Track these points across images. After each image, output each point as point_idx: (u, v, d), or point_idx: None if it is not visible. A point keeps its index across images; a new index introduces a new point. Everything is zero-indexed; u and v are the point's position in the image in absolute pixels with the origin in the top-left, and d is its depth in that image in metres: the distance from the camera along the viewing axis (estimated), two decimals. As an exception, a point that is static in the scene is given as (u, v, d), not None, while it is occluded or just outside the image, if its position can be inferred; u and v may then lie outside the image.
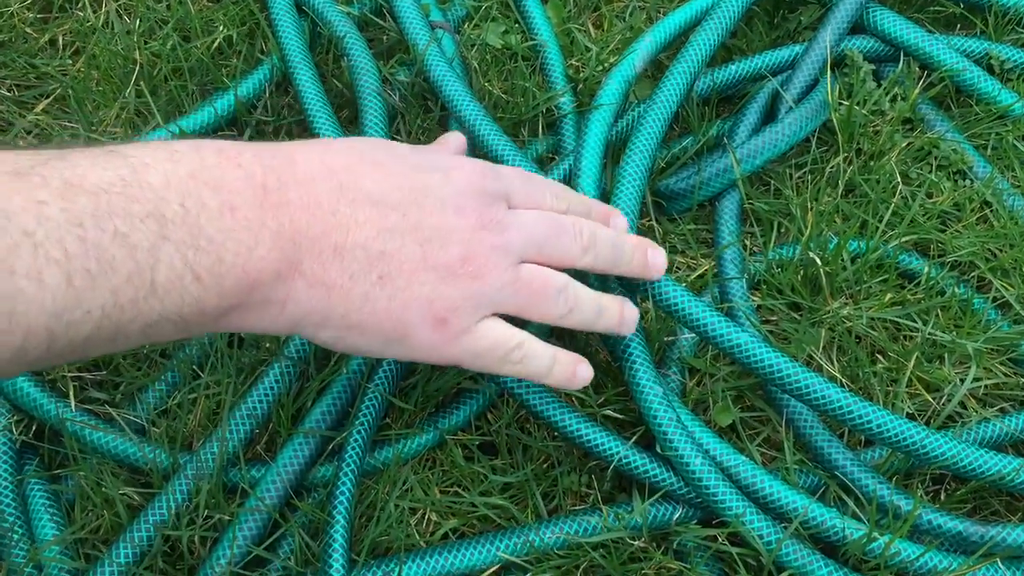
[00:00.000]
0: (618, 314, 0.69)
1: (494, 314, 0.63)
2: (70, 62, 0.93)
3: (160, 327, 0.51)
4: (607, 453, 0.72)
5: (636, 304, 0.73)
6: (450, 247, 0.61)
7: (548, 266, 0.65)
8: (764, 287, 0.83)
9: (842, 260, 0.82)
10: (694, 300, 0.73)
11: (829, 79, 0.88)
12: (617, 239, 0.69)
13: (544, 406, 0.74)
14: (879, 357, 0.82)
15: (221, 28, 0.91)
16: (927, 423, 0.78)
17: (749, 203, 0.87)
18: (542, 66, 0.93)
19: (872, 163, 0.89)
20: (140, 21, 0.92)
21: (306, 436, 0.72)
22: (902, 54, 0.92)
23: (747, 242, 0.87)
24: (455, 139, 0.74)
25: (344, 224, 0.58)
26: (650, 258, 0.71)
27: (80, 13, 0.94)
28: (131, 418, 0.75)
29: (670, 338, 0.82)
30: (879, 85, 0.92)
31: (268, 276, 0.55)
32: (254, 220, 0.53)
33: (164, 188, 0.50)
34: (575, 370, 0.68)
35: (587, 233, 0.67)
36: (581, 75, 0.92)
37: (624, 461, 0.72)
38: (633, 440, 0.73)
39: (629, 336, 0.74)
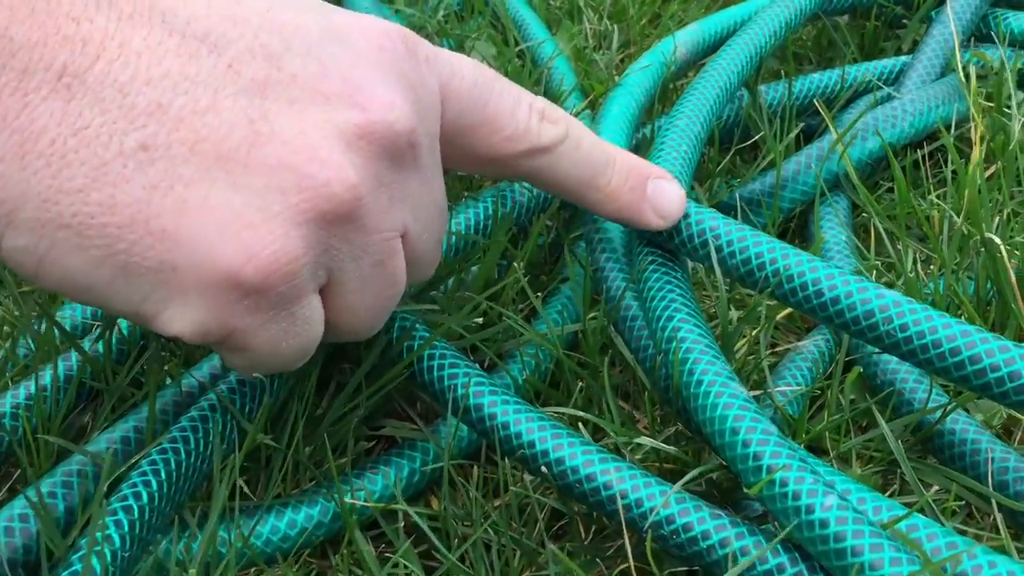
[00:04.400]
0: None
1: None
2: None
3: None
4: (638, 510, 0.38)
5: None
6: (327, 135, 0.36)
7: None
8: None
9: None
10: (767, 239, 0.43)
11: (959, 55, 0.64)
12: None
13: (525, 426, 0.41)
14: None
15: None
16: None
17: (865, 216, 0.59)
18: (546, 86, 0.71)
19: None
20: None
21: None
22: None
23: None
24: None
25: (93, 41, 0.33)
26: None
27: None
28: None
29: (756, 391, 0.50)
30: (1030, 97, 0.68)
31: None
32: None
33: None
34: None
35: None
36: (596, 85, 0.69)
37: (671, 529, 0.38)
38: (684, 483, 0.39)
39: (675, 305, 0.43)
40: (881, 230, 0.56)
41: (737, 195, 0.60)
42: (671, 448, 0.41)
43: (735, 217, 0.60)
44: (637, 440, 0.41)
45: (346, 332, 0.40)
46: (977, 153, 0.55)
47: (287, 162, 0.34)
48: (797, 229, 0.63)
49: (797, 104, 0.68)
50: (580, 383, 0.46)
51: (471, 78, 0.42)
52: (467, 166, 0.44)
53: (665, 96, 0.69)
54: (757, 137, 0.64)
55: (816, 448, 0.49)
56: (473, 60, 0.43)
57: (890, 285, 0.56)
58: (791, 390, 0.51)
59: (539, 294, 0.55)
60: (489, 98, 0.42)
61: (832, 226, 0.57)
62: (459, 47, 0.75)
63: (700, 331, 0.43)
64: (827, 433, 0.48)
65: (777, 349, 0.55)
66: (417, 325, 0.45)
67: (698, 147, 0.56)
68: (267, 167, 0.34)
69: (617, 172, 0.46)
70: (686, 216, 0.46)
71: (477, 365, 0.44)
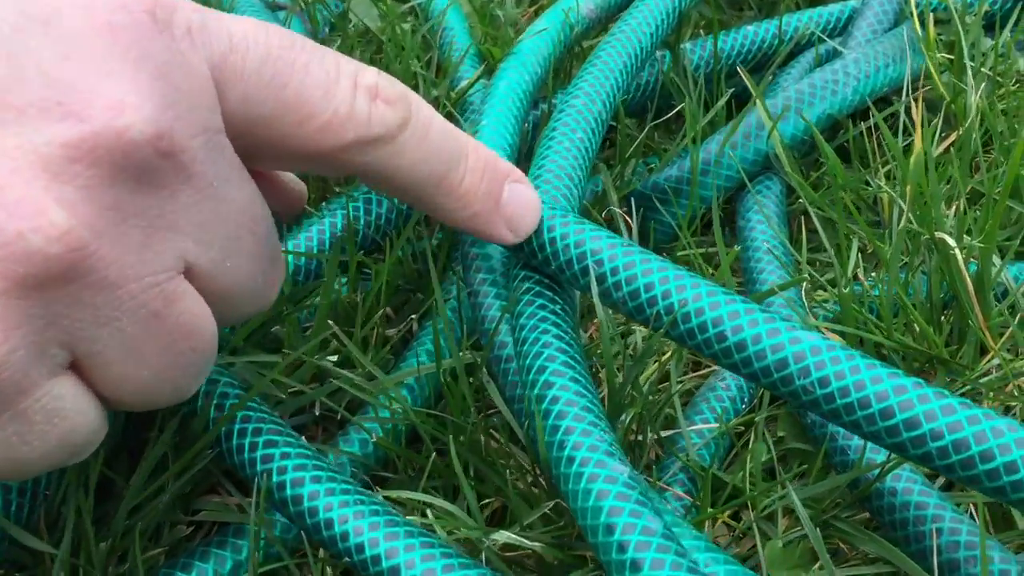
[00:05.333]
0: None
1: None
2: None
3: None
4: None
5: None
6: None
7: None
8: (845, 339, 0.45)
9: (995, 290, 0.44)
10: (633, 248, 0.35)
11: (914, 5, 0.55)
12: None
13: (353, 523, 0.33)
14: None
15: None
16: None
17: (798, 202, 0.51)
18: (440, 51, 0.62)
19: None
20: None
21: None
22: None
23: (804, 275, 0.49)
24: None
25: None
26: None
27: None
28: None
29: (666, 432, 0.42)
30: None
31: None
32: None
33: None
34: None
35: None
36: (494, 49, 0.60)
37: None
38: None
39: (548, 351, 0.35)
40: (817, 224, 0.48)
41: (651, 182, 0.51)
42: (536, 545, 0.33)
43: (651, 209, 0.52)
44: (494, 536, 0.33)
45: (141, 404, 0.31)
46: (920, 140, 0.46)
47: None
48: (728, 216, 0.54)
49: (728, 63, 0.59)
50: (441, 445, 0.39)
51: (260, 51, 0.31)
52: (278, 164, 0.35)
53: (574, 59, 0.61)
54: (681, 107, 0.55)
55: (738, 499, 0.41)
56: (268, 25, 0.33)
57: (825, 288, 0.48)
58: (708, 428, 0.43)
59: (413, 316, 0.47)
60: (291, 75, 0.32)
61: (759, 220, 0.48)
62: (339, 8, 0.65)
63: (578, 386, 0.35)
64: (747, 484, 0.40)
65: (700, 371, 0.47)
66: (228, 388, 0.37)
67: (598, 131, 0.47)
68: None
69: (471, 170, 0.36)
70: (564, 236, 0.38)
71: (300, 438, 0.36)
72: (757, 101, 0.49)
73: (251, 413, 0.36)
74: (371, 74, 0.34)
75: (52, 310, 0.27)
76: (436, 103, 0.58)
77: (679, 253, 0.50)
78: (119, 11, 0.29)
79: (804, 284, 0.44)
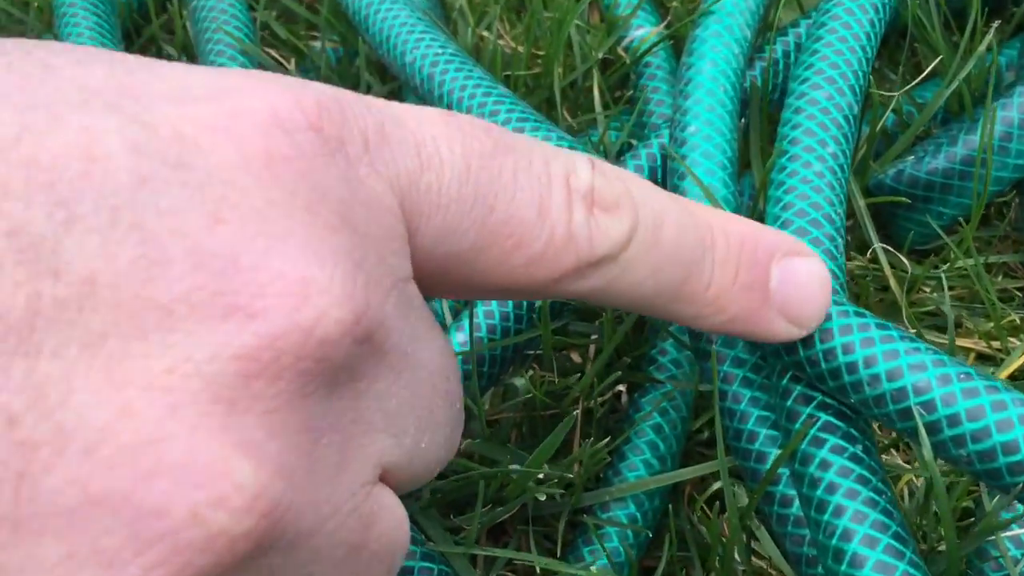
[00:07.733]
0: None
1: None
2: None
3: None
4: None
5: None
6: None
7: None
8: None
9: None
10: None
11: None
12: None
13: None
14: None
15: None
16: None
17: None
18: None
19: None
20: None
21: None
22: None
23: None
24: None
25: None
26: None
27: None
28: None
29: (993, 536, 0.34)
30: None
31: None
32: None
33: None
34: None
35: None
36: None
37: None
38: None
39: (865, 528, 0.27)
40: None
41: (907, 174, 0.40)
42: None
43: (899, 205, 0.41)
44: None
45: None
46: None
47: (99, 494, 0.17)
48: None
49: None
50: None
51: (458, 164, 0.23)
52: (466, 296, 0.27)
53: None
54: (936, 62, 0.43)
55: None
56: (458, 119, 0.24)
57: None
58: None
59: (621, 388, 0.38)
60: (497, 193, 0.24)
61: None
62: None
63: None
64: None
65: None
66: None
67: (851, 134, 0.36)
68: (58, 512, 0.17)
69: (720, 263, 0.27)
70: (869, 362, 0.28)
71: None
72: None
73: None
74: (585, 171, 0.25)
75: None
76: (600, 65, 0.47)
77: (958, 264, 0.40)
78: (275, 133, 0.20)
79: None
